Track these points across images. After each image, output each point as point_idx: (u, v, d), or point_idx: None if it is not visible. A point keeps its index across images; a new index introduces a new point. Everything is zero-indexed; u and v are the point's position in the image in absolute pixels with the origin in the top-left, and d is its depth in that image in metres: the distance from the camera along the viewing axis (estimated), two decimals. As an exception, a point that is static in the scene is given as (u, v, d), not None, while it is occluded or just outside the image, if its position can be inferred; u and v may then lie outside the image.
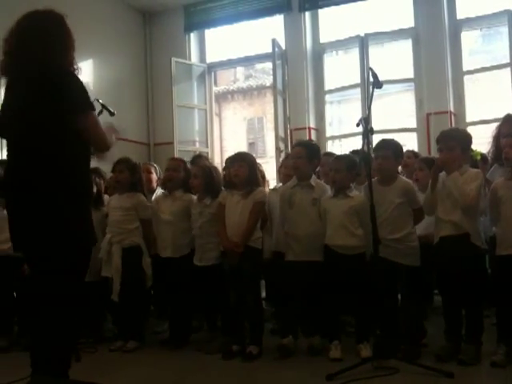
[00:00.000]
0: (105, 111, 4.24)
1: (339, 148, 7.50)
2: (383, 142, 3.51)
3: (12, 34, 2.44)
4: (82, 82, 2.43)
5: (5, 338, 3.94)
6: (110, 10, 7.07)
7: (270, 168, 7.29)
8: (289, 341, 3.48)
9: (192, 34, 7.67)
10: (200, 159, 4.75)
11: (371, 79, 3.24)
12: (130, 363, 3.52)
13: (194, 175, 3.87)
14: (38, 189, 2.34)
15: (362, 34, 6.69)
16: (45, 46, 2.38)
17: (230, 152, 4.33)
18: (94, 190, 4.06)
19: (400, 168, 4.07)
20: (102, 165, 4.02)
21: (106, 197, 4.30)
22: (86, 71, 6.51)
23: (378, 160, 3.42)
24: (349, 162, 3.52)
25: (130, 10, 7.50)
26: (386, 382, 2.89)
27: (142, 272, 3.85)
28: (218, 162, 7.66)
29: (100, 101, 4.23)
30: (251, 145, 18.89)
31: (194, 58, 7.72)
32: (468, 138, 3.39)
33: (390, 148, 3.46)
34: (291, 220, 3.58)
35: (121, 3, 7.28)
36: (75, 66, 2.50)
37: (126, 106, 6.79)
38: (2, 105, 2.52)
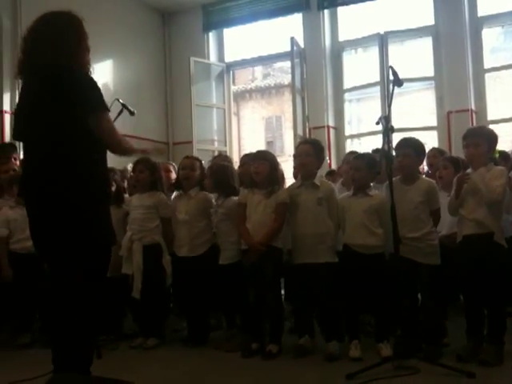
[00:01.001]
0: (125, 111, 4.30)
1: (358, 146, 7.46)
2: (404, 141, 3.48)
3: (28, 34, 2.47)
4: (95, 83, 2.43)
5: (27, 335, 3.99)
6: (130, 11, 7.13)
7: (288, 167, 7.27)
8: (305, 340, 3.46)
9: (210, 34, 7.71)
10: (218, 158, 4.76)
11: (391, 77, 3.22)
12: (150, 360, 3.55)
13: (207, 175, 3.90)
14: (53, 189, 2.36)
15: (382, 32, 6.66)
16: (57, 47, 2.40)
17: (248, 151, 4.32)
18: (114, 188, 4.13)
19: (426, 167, 4.05)
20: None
21: (126, 196, 4.34)
22: (106, 72, 6.58)
23: (399, 158, 3.40)
24: (369, 161, 3.50)
25: (149, 11, 7.55)
26: (406, 382, 2.86)
27: (162, 270, 3.87)
28: (236, 160, 7.68)
29: (120, 101, 4.29)
30: (269, 144, 18.89)
31: (213, 57, 7.75)
32: (494, 137, 3.34)
33: (411, 146, 3.43)
34: (297, 221, 3.54)
35: (140, 4, 7.33)
36: (89, 67, 2.51)
37: (145, 105, 6.84)
38: (17, 105, 2.56)
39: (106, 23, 6.48)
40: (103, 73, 6.46)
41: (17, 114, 2.55)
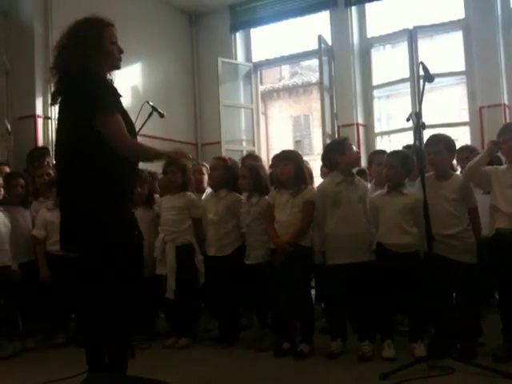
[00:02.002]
0: (155, 113, 4.35)
1: (388, 144, 7.39)
2: (434, 137, 3.42)
3: (59, 39, 2.58)
4: (107, 85, 2.49)
5: (62, 335, 4.07)
6: (157, 13, 7.20)
7: (317, 165, 7.24)
8: (337, 345, 3.42)
9: (238, 34, 7.72)
10: (248, 159, 4.76)
11: (422, 73, 3.18)
12: (182, 359, 3.57)
13: (242, 175, 3.89)
14: (69, 190, 2.45)
15: (411, 27, 6.56)
16: (78, 51, 2.47)
17: (276, 150, 4.31)
18: (144, 190, 4.19)
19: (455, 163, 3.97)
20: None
21: (156, 196, 4.38)
22: (136, 74, 6.65)
23: (431, 156, 3.35)
24: (403, 158, 3.45)
25: (177, 12, 7.60)
26: (441, 382, 2.83)
27: (195, 270, 3.90)
28: (265, 160, 7.67)
29: (150, 103, 4.34)
30: (297, 142, 18.86)
31: (240, 57, 7.76)
32: None
33: (442, 142, 3.37)
34: (338, 220, 3.46)
35: (167, 6, 7.39)
36: (108, 69, 2.58)
37: (173, 106, 6.89)
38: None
39: (134, 27, 6.55)
40: (132, 76, 6.53)
41: None
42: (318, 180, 4.67)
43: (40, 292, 4.01)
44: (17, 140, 5.43)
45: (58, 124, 2.58)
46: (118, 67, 2.62)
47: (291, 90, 19.52)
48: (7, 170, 4.54)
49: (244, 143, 7.74)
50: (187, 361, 3.54)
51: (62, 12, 5.67)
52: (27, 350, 3.88)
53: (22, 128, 5.52)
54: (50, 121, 5.59)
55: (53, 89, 2.65)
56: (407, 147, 3.94)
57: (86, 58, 2.46)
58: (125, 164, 2.49)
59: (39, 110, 5.55)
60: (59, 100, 2.53)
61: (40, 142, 5.51)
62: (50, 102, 2.65)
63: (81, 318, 4.02)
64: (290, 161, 3.62)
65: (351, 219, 3.44)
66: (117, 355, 2.47)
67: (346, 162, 3.53)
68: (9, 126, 5.29)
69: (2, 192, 3.85)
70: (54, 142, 2.69)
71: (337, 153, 3.55)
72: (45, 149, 5.29)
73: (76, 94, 2.40)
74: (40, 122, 5.56)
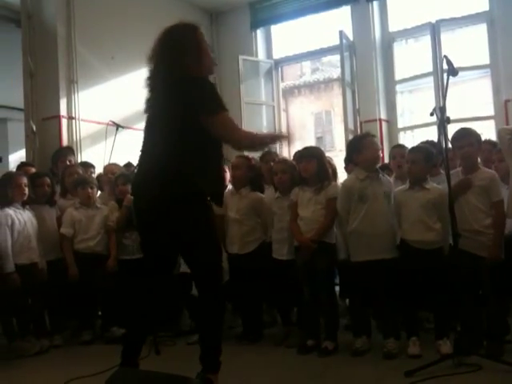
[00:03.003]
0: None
1: (411, 139, 7.30)
2: (465, 130, 3.37)
3: (153, 50, 2.68)
4: (212, 86, 2.61)
5: (89, 332, 4.11)
6: (178, 13, 7.20)
7: (339, 162, 7.20)
8: (362, 342, 3.40)
9: (258, 31, 7.71)
10: (270, 156, 4.75)
11: (446, 67, 3.13)
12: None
13: (281, 171, 3.80)
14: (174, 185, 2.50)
15: (434, 21, 6.48)
16: (177, 57, 2.58)
17: (298, 147, 4.29)
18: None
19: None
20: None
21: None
22: (157, 73, 6.69)
23: (465, 148, 3.29)
24: (426, 153, 3.41)
25: (197, 11, 7.62)
26: (467, 380, 2.79)
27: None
28: (287, 157, 7.64)
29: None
30: (319, 139, 18.78)
31: (261, 54, 7.75)
32: None
33: (473, 135, 3.33)
34: (364, 216, 3.41)
35: (188, 5, 7.41)
36: (208, 72, 2.69)
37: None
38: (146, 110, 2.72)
39: (155, 27, 6.56)
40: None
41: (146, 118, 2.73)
42: (342, 176, 4.64)
43: (66, 289, 4.07)
44: (42, 140, 5.52)
45: (154, 121, 2.62)
46: (215, 64, 2.76)
47: (312, 87, 19.43)
48: (33, 170, 4.61)
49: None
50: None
51: (84, 14, 5.75)
52: (54, 346, 3.93)
53: (46, 128, 5.60)
54: (73, 121, 5.66)
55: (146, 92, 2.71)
56: (429, 143, 3.89)
57: (188, 61, 2.58)
58: (220, 158, 2.68)
59: (63, 111, 5.62)
60: (157, 99, 2.61)
61: (64, 142, 5.58)
62: (144, 107, 2.65)
63: (109, 314, 4.11)
64: (313, 157, 3.60)
65: (377, 215, 3.40)
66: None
67: (364, 160, 3.49)
68: (34, 127, 5.37)
69: (27, 191, 3.90)
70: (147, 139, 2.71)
71: (353, 153, 3.54)
72: (69, 148, 5.37)
73: (187, 95, 2.50)
74: (64, 122, 5.63)
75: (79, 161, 5.28)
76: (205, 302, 2.62)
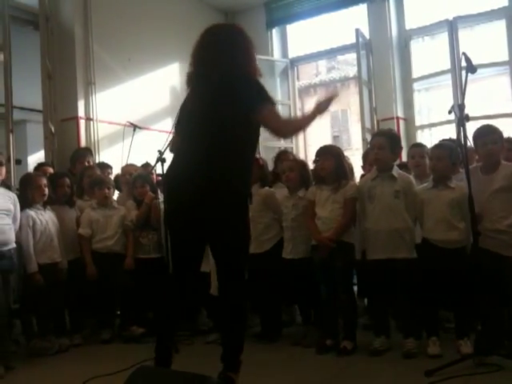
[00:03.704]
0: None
1: (429, 137, 7.24)
2: (489, 127, 3.32)
3: (199, 48, 2.70)
4: (261, 84, 2.64)
5: (108, 331, 4.15)
6: (194, 13, 7.24)
7: (356, 161, 7.18)
8: (381, 342, 3.38)
9: (274, 30, 7.72)
10: (285, 154, 4.76)
11: (464, 64, 3.10)
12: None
13: (289, 169, 3.84)
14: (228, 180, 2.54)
15: (451, 18, 6.42)
16: (230, 58, 2.62)
17: (314, 146, 4.28)
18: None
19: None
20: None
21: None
22: (173, 74, 6.71)
23: (488, 146, 3.23)
24: (450, 150, 3.36)
25: (213, 11, 7.64)
26: (488, 380, 2.76)
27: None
28: (303, 156, 7.63)
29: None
30: (335, 138, 18.71)
31: (277, 53, 7.76)
32: None
33: (497, 133, 3.28)
34: (372, 215, 3.43)
35: (204, 5, 7.44)
36: (258, 72, 2.72)
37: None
38: (186, 107, 2.73)
39: (171, 27, 6.63)
40: (170, 75, 6.60)
41: (187, 114, 2.72)
42: (358, 175, 4.61)
43: (86, 289, 4.11)
44: (60, 141, 5.57)
45: (198, 119, 2.62)
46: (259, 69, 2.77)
47: (328, 85, 19.34)
48: (50, 170, 4.65)
49: (282, 140, 7.71)
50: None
51: (101, 16, 5.80)
52: (74, 345, 3.97)
53: (64, 130, 5.66)
54: (91, 122, 5.71)
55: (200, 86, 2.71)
56: (448, 140, 3.85)
57: (240, 60, 2.63)
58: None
59: (81, 112, 5.67)
60: (203, 97, 2.62)
61: (82, 143, 5.63)
62: (207, 98, 2.65)
63: (128, 313, 4.13)
64: (331, 155, 3.59)
65: (384, 214, 3.38)
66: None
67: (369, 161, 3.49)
68: (52, 128, 5.42)
69: (47, 192, 3.95)
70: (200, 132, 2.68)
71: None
72: (87, 149, 5.41)
73: (237, 95, 2.54)
74: (82, 123, 5.68)
75: (97, 161, 5.33)
76: (231, 301, 2.64)
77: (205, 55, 2.65)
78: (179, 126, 2.74)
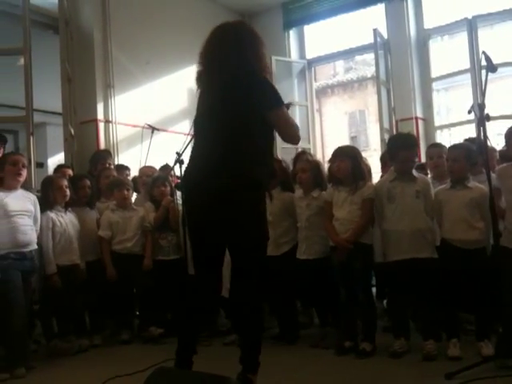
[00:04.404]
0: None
1: (448, 137, 7.18)
2: None
3: (208, 46, 2.69)
4: (271, 84, 2.65)
5: (127, 332, 4.18)
6: (211, 15, 7.25)
7: (374, 161, 7.14)
8: (400, 344, 3.35)
9: (291, 31, 7.71)
10: (304, 155, 4.75)
11: (484, 63, 3.07)
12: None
13: (301, 169, 3.85)
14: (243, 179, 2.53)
15: (470, 17, 6.35)
16: (240, 54, 2.62)
17: (331, 147, 4.27)
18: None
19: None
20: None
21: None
22: (191, 76, 6.72)
23: None
24: (467, 151, 3.34)
25: (230, 13, 7.65)
26: (509, 383, 2.71)
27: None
28: (320, 157, 7.62)
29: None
30: (353, 139, 18.65)
31: (294, 54, 7.74)
32: None
33: None
34: (393, 215, 3.40)
35: (221, 7, 7.46)
36: (267, 70, 2.72)
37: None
38: (198, 106, 2.76)
39: (188, 29, 6.65)
40: (188, 77, 6.59)
41: (200, 114, 2.74)
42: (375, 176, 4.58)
43: (105, 289, 4.14)
44: (80, 144, 5.63)
45: (210, 116, 2.64)
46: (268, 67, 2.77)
47: (346, 86, 19.29)
48: (70, 172, 4.70)
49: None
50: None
51: (119, 20, 5.85)
52: (94, 346, 4.01)
53: (84, 132, 5.72)
54: (110, 124, 5.76)
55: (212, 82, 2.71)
56: (469, 140, 3.81)
57: (250, 56, 2.63)
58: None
59: (100, 115, 5.72)
60: (218, 93, 2.62)
61: (102, 145, 5.68)
62: (220, 92, 2.65)
63: (146, 314, 4.15)
64: (347, 156, 3.57)
65: (406, 214, 3.36)
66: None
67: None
68: (72, 131, 5.48)
69: (68, 193, 3.99)
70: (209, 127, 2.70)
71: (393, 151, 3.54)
72: (106, 151, 5.46)
73: (250, 94, 2.55)
74: (101, 125, 5.73)
75: (116, 163, 5.37)
76: (246, 302, 2.63)
77: (214, 53, 2.65)
78: (194, 126, 2.76)
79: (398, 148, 3.45)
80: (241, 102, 2.54)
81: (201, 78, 2.74)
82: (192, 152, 2.73)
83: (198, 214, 2.64)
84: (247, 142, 2.55)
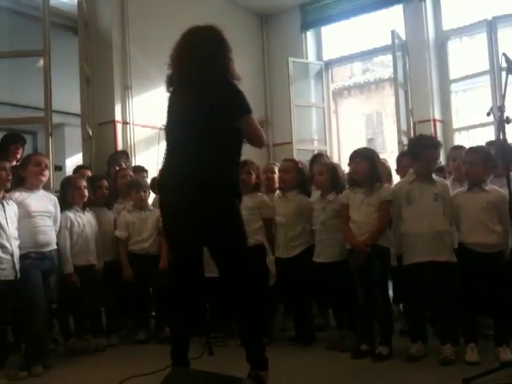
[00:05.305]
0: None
1: (467, 140, 7.10)
2: None
3: (178, 49, 2.76)
4: (239, 90, 2.70)
5: (143, 331, 4.20)
6: (229, 16, 7.28)
7: (390, 163, 7.08)
8: (417, 348, 3.32)
9: (308, 33, 7.70)
10: (321, 157, 4.74)
11: (504, 65, 3.03)
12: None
13: (318, 172, 3.85)
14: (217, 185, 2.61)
15: (490, 18, 6.28)
16: (209, 58, 2.67)
17: (348, 149, 4.25)
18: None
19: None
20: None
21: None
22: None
23: None
24: (484, 154, 3.31)
25: (248, 15, 7.67)
26: (529, 389, 2.69)
27: (266, 270, 3.92)
28: (337, 159, 7.59)
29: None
30: (370, 141, 18.54)
31: (311, 56, 7.73)
32: None
33: None
34: (412, 218, 3.38)
35: (239, 9, 7.47)
36: (235, 75, 2.77)
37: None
38: (169, 113, 2.84)
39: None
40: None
41: (169, 118, 2.84)
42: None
43: (122, 289, 4.17)
44: (98, 144, 5.68)
45: (181, 124, 2.71)
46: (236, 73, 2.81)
47: (363, 87, 19.21)
48: (89, 173, 4.74)
49: (315, 143, 7.69)
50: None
51: (138, 22, 5.89)
52: (111, 345, 4.04)
53: (102, 133, 5.77)
54: (128, 126, 5.80)
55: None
56: (490, 143, 3.77)
57: (220, 61, 2.71)
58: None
59: (118, 116, 5.76)
60: (194, 96, 2.66)
61: (119, 146, 5.72)
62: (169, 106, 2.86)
63: (163, 314, 4.18)
64: (364, 158, 3.56)
65: (425, 216, 3.33)
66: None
67: (419, 168, 3.45)
68: (90, 132, 5.52)
69: (87, 193, 4.03)
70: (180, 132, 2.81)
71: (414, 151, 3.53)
72: (124, 152, 5.50)
73: (218, 101, 2.61)
74: (119, 127, 5.77)
75: (133, 165, 5.40)
76: (242, 300, 2.70)
77: (183, 57, 2.71)
78: (166, 134, 2.83)
79: (422, 147, 3.42)
80: (211, 109, 2.60)
81: (171, 83, 2.79)
82: (165, 160, 2.78)
83: (174, 221, 2.71)
84: (218, 148, 2.62)
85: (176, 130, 2.74)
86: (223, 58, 2.71)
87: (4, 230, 3.31)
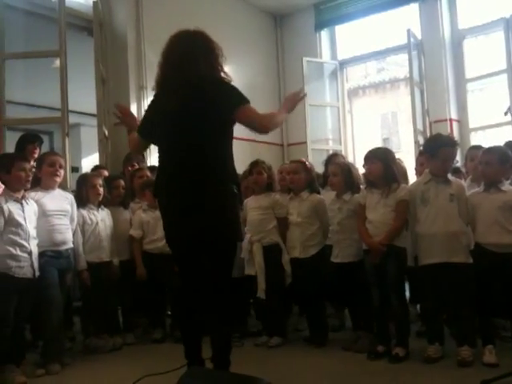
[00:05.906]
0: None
1: (483, 140, 7.03)
2: None
3: (166, 53, 2.76)
4: (230, 85, 2.70)
5: (159, 331, 4.21)
6: (244, 16, 7.30)
7: (406, 163, 7.04)
8: (435, 349, 3.29)
9: (323, 32, 7.68)
10: (336, 157, 4.73)
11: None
12: (274, 358, 3.60)
13: (332, 173, 3.85)
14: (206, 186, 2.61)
15: (507, 16, 6.21)
16: (197, 60, 2.68)
17: (362, 149, 4.23)
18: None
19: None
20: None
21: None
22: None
23: None
24: (501, 155, 3.28)
25: (262, 14, 7.67)
26: (548, 391, 2.66)
27: (282, 269, 3.91)
28: (352, 159, 7.56)
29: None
30: (385, 140, 18.43)
31: (326, 55, 7.71)
32: None
33: None
34: (427, 218, 3.35)
35: (253, 8, 7.47)
36: (223, 73, 2.76)
37: (259, 108, 6.85)
38: (149, 112, 2.84)
39: (221, 31, 6.62)
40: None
41: (156, 121, 2.79)
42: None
43: (138, 288, 4.18)
44: (113, 145, 5.70)
45: (170, 125, 2.69)
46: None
47: (378, 87, 19.10)
48: (106, 173, 4.77)
49: (330, 142, 7.67)
50: (279, 359, 3.56)
51: (152, 22, 5.92)
52: (127, 344, 4.06)
53: (118, 133, 5.78)
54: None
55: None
56: (509, 143, 3.73)
57: (213, 64, 2.71)
58: None
59: (135, 116, 5.78)
60: (182, 97, 2.65)
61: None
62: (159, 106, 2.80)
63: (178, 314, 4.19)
64: (378, 159, 3.54)
65: (440, 217, 3.31)
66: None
67: (434, 168, 3.43)
68: (106, 132, 5.55)
69: (102, 191, 4.05)
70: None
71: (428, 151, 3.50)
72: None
73: (212, 97, 2.59)
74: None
75: (148, 165, 5.42)
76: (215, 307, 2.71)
77: (173, 63, 2.71)
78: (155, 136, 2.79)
79: (439, 145, 3.39)
80: (201, 110, 2.59)
81: (159, 85, 2.78)
82: (159, 162, 2.79)
83: (172, 219, 2.73)
84: (209, 147, 2.62)
85: (165, 135, 2.73)
86: (211, 61, 2.71)
87: (23, 229, 3.34)
